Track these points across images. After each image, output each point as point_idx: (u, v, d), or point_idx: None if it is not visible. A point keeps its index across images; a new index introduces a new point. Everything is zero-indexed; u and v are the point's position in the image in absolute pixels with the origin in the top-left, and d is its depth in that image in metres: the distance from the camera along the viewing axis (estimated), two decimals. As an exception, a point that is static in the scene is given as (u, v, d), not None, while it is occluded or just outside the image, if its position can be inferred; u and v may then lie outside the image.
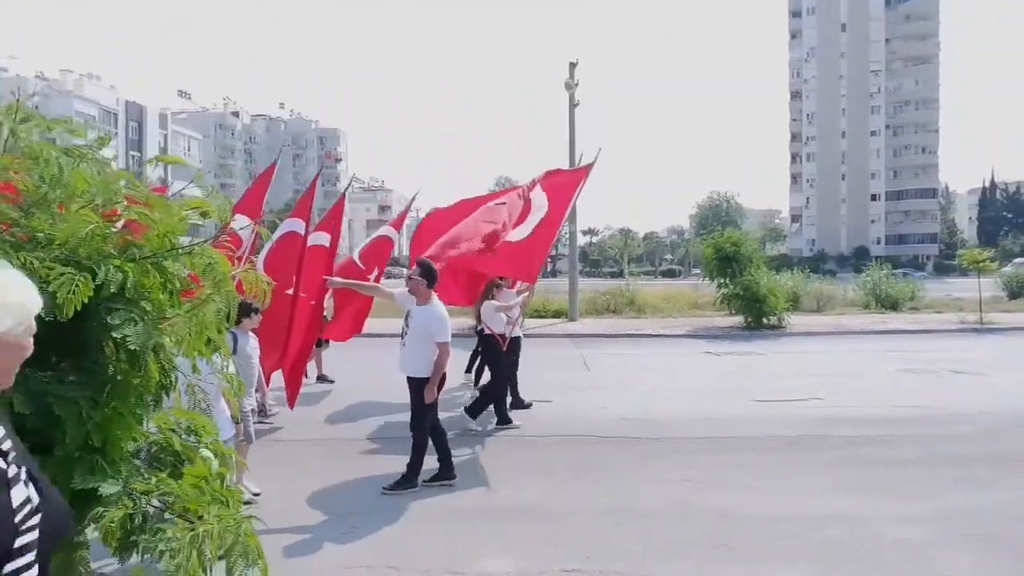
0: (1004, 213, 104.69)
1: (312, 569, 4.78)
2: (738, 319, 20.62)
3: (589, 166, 10.38)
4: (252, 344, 6.46)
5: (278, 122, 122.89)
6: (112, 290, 2.39)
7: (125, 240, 2.60)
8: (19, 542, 1.47)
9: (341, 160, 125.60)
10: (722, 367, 13.44)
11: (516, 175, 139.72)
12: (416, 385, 6.40)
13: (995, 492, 6.07)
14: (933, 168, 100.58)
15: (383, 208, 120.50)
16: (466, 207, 9.79)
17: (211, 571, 2.40)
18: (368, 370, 11.55)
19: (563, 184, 9.86)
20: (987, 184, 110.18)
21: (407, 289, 6.62)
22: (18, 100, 2.82)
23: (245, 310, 5.99)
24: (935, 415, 9.10)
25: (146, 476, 2.50)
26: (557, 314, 23.75)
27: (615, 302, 25.13)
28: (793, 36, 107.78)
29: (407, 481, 6.37)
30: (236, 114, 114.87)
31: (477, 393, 9.34)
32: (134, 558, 2.50)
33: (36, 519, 1.52)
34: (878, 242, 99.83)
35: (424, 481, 6.44)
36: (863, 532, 5.27)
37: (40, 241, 2.46)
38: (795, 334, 18.84)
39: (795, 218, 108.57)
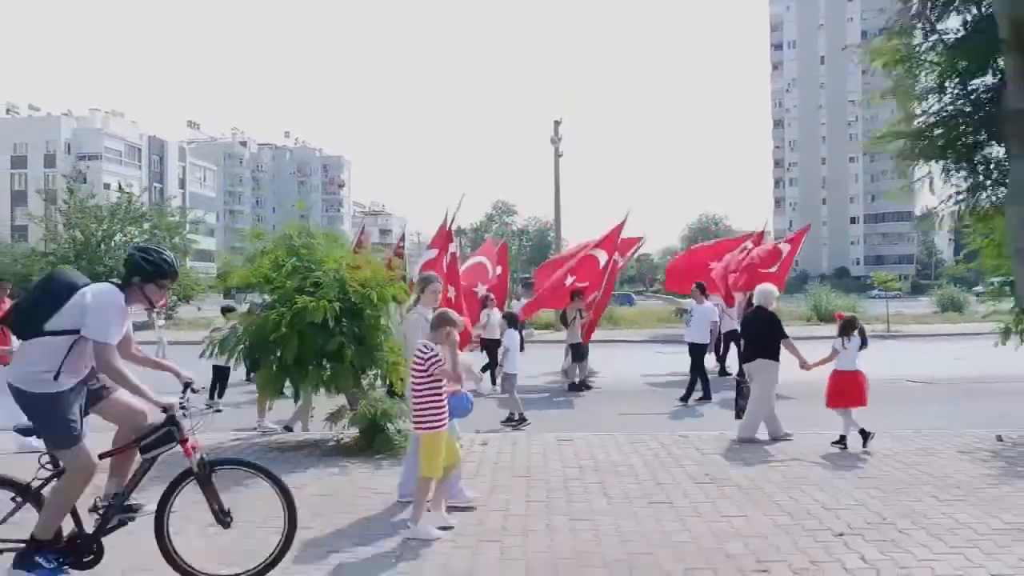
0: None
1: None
2: (691, 329, 25.56)
3: (805, 230, 18.52)
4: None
5: (284, 151, 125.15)
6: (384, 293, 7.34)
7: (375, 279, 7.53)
8: None
9: (344, 186, 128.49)
10: (663, 360, 18.28)
11: (513, 200, 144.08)
12: (695, 349, 11.95)
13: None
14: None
15: (384, 232, 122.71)
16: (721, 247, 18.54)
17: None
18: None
19: (794, 240, 17.77)
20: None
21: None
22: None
23: None
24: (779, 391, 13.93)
25: (388, 354, 7.43)
26: (548, 326, 28.75)
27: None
28: (775, 68, 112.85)
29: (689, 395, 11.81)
30: (244, 143, 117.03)
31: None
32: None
33: None
34: (857, 263, 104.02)
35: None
36: (696, 436, 10.13)
37: (357, 279, 7.41)
38: (734, 340, 23.72)
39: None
